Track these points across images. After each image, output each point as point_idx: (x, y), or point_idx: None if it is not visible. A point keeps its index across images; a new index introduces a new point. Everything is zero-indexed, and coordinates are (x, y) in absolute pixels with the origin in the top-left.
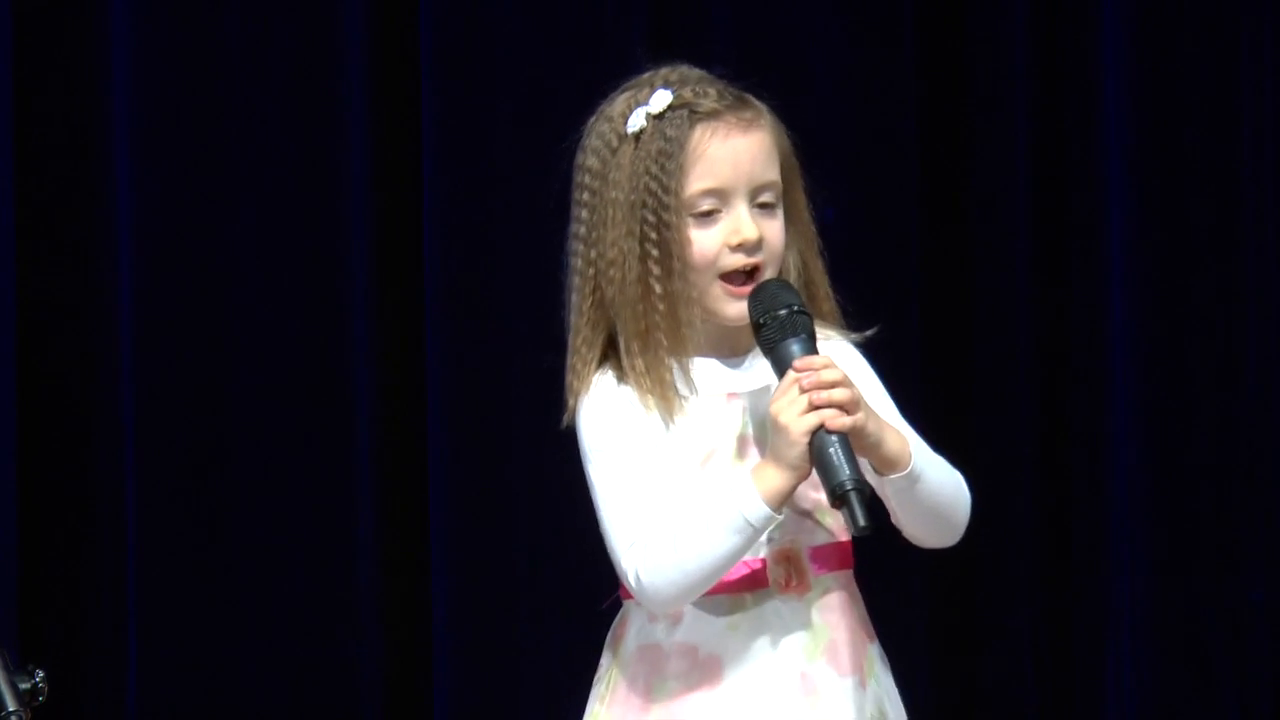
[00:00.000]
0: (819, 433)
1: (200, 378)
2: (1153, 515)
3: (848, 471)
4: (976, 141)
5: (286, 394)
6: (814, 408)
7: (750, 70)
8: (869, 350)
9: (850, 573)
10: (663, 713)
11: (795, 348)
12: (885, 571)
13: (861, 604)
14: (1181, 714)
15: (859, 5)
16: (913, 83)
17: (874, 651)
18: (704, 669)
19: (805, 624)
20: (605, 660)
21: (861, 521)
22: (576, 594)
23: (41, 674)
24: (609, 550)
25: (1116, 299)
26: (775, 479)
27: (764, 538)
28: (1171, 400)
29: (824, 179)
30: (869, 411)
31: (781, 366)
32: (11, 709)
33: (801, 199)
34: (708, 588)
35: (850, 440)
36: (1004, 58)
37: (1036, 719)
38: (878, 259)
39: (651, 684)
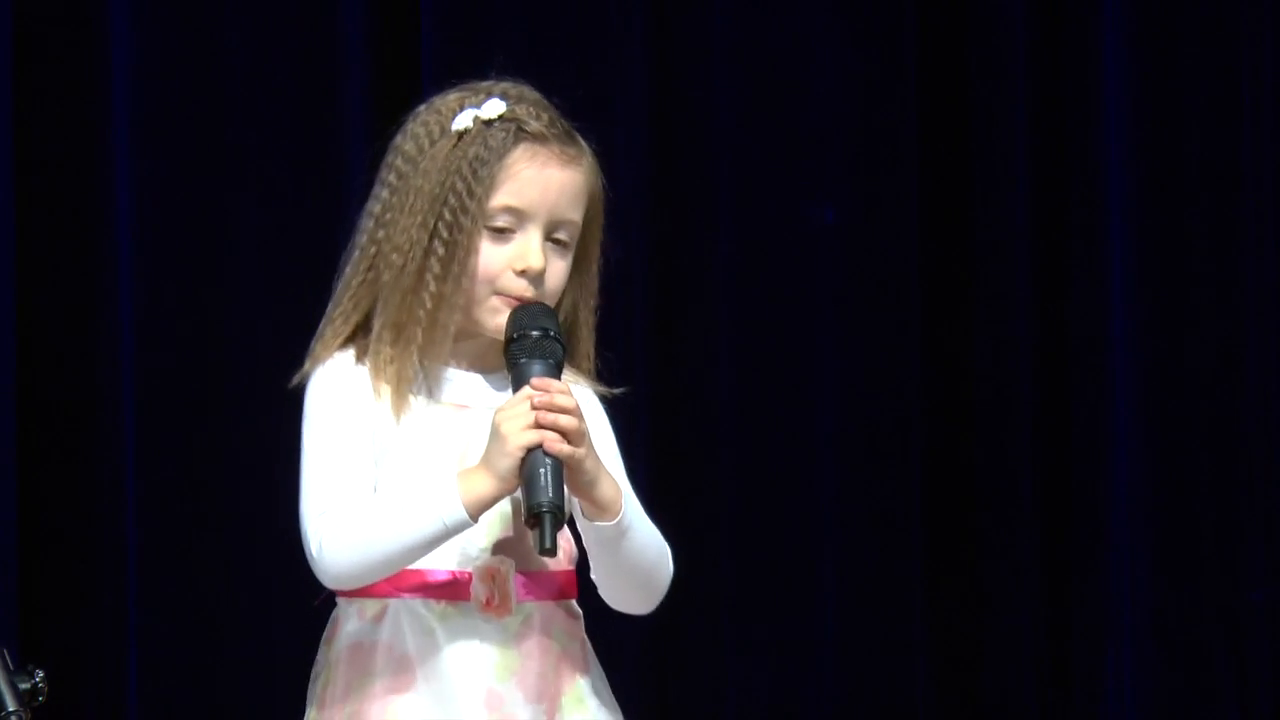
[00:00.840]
0: (535, 452)
1: (200, 378)
2: (1153, 515)
3: (549, 495)
4: (976, 142)
5: (287, 394)
6: (538, 426)
7: (751, 70)
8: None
9: (566, 604)
10: (360, 709)
11: (538, 367)
12: (884, 573)
13: (577, 637)
14: (1181, 714)
15: (859, 6)
16: (913, 83)
17: (584, 686)
18: (402, 669)
19: (500, 645)
20: (319, 659)
21: (547, 543)
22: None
23: (41, 674)
24: (300, 516)
25: (1116, 300)
26: (480, 485)
27: (474, 551)
28: (1171, 400)
29: (824, 179)
30: (591, 451)
31: (520, 384)
32: (11, 709)
33: (595, 252)
34: (385, 574)
35: (565, 472)
36: (1004, 58)
37: (1037, 719)
38: (878, 259)
39: (355, 682)
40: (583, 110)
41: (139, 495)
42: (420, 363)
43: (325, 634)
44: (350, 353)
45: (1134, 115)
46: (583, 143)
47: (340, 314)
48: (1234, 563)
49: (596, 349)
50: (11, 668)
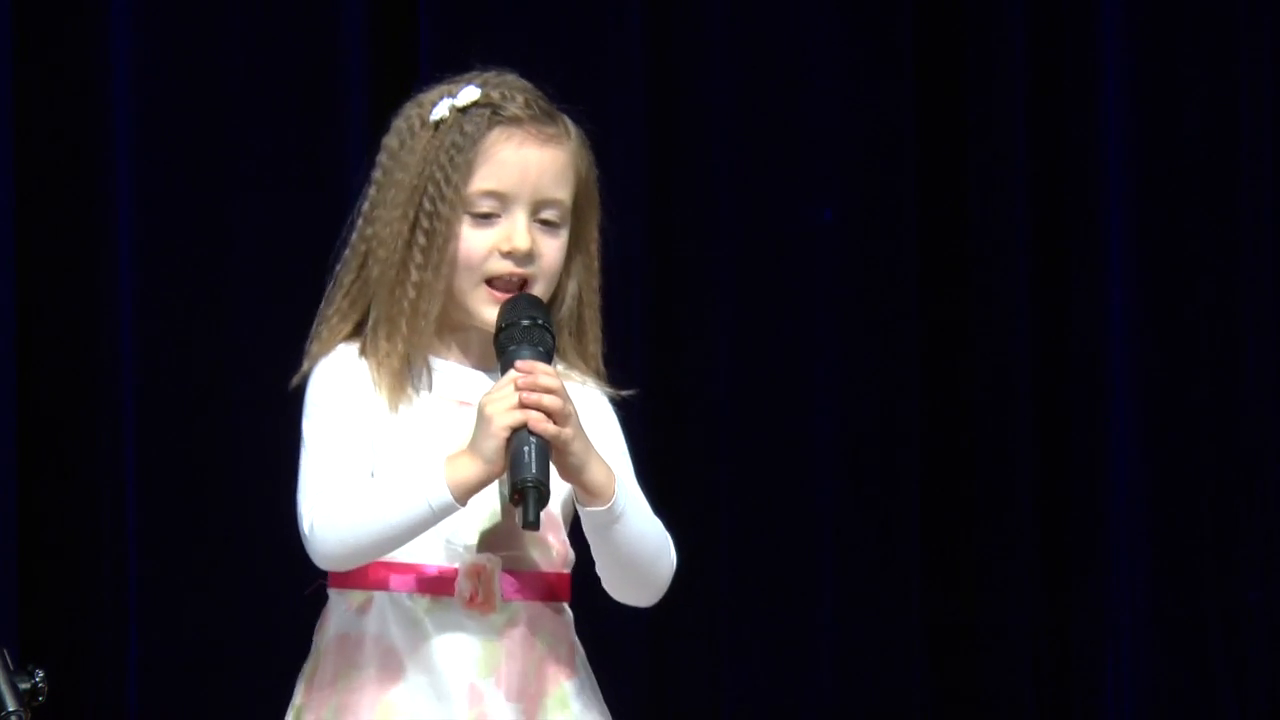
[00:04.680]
0: (520, 432)
1: (200, 378)
2: (1152, 516)
3: (533, 472)
4: (976, 142)
5: (287, 394)
6: (523, 407)
7: (750, 70)
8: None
9: (555, 605)
10: (348, 700)
11: (525, 352)
12: (883, 572)
13: (565, 640)
14: (1181, 714)
15: (859, 5)
16: (913, 83)
17: (568, 689)
18: (389, 661)
19: (483, 640)
20: (313, 644)
21: (530, 517)
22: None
23: (41, 674)
24: (296, 499)
25: (1116, 300)
26: (466, 469)
27: (462, 547)
28: (1170, 401)
29: (824, 179)
30: (580, 433)
31: (508, 369)
32: (11, 709)
33: (593, 233)
34: (375, 556)
35: (552, 454)
36: (1003, 58)
37: (1036, 719)
38: (878, 259)
39: (342, 673)
40: (581, 109)
41: (139, 495)
42: (416, 355)
43: (318, 622)
44: (354, 346)
45: (1134, 113)
46: (567, 122)
47: (335, 313)
48: (1233, 563)
49: (605, 341)
50: (11, 668)
